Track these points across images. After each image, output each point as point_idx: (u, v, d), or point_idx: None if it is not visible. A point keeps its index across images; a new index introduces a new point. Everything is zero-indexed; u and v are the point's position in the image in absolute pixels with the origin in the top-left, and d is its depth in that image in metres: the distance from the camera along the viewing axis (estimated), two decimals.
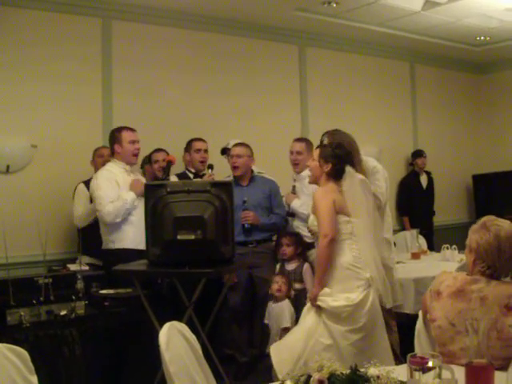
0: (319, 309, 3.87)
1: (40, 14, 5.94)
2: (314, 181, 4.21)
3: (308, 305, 4.02)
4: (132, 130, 5.14)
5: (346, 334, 3.79)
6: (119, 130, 5.15)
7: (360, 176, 4.13)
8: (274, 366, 3.79)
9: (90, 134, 6.15)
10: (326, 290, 3.87)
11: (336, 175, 4.01)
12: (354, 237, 3.91)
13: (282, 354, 3.85)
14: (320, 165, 4.07)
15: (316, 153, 4.18)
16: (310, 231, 4.41)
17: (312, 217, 4.12)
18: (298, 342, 3.83)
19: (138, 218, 4.73)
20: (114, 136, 5.13)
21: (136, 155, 5.18)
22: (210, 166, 5.64)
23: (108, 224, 4.93)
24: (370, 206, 4.02)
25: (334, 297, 3.84)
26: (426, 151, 8.78)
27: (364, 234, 3.92)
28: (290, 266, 5.48)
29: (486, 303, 2.73)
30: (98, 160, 5.67)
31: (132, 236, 4.92)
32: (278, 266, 5.56)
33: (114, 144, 5.12)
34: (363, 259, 3.89)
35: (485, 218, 2.93)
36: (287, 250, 5.47)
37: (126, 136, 5.07)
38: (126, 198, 4.90)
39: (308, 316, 3.95)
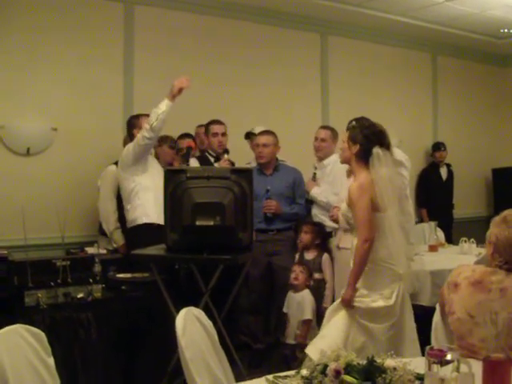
0: (352, 308, 3.77)
1: None
2: (344, 161, 4.12)
3: (335, 304, 3.92)
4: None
5: (384, 330, 3.73)
6: (137, 116, 5.31)
7: (390, 160, 3.92)
8: None
9: (110, 118, 6.17)
10: (363, 291, 3.78)
11: (364, 157, 3.88)
12: (386, 232, 3.81)
13: None
14: (349, 146, 3.96)
15: (345, 134, 4.08)
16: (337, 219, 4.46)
17: (345, 206, 4.02)
18: (336, 345, 3.70)
19: (155, 187, 4.84)
20: (133, 122, 5.30)
21: None
22: (226, 151, 5.64)
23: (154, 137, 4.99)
24: (397, 197, 3.92)
25: (372, 297, 3.77)
26: (446, 143, 8.72)
27: (395, 227, 3.82)
28: (309, 256, 5.45)
29: (506, 294, 2.71)
30: None
31: (153, 209, 4.97)
32: (297, 256, 5.54)
33: (133, 129, 5.25)
34: (394, 255, 3.81)
35: (506, 212, 2.89)
36: (304, 237, 5.44)
37: (144, 122, 5.08)
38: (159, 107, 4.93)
39: (338, 316, 3.82)
